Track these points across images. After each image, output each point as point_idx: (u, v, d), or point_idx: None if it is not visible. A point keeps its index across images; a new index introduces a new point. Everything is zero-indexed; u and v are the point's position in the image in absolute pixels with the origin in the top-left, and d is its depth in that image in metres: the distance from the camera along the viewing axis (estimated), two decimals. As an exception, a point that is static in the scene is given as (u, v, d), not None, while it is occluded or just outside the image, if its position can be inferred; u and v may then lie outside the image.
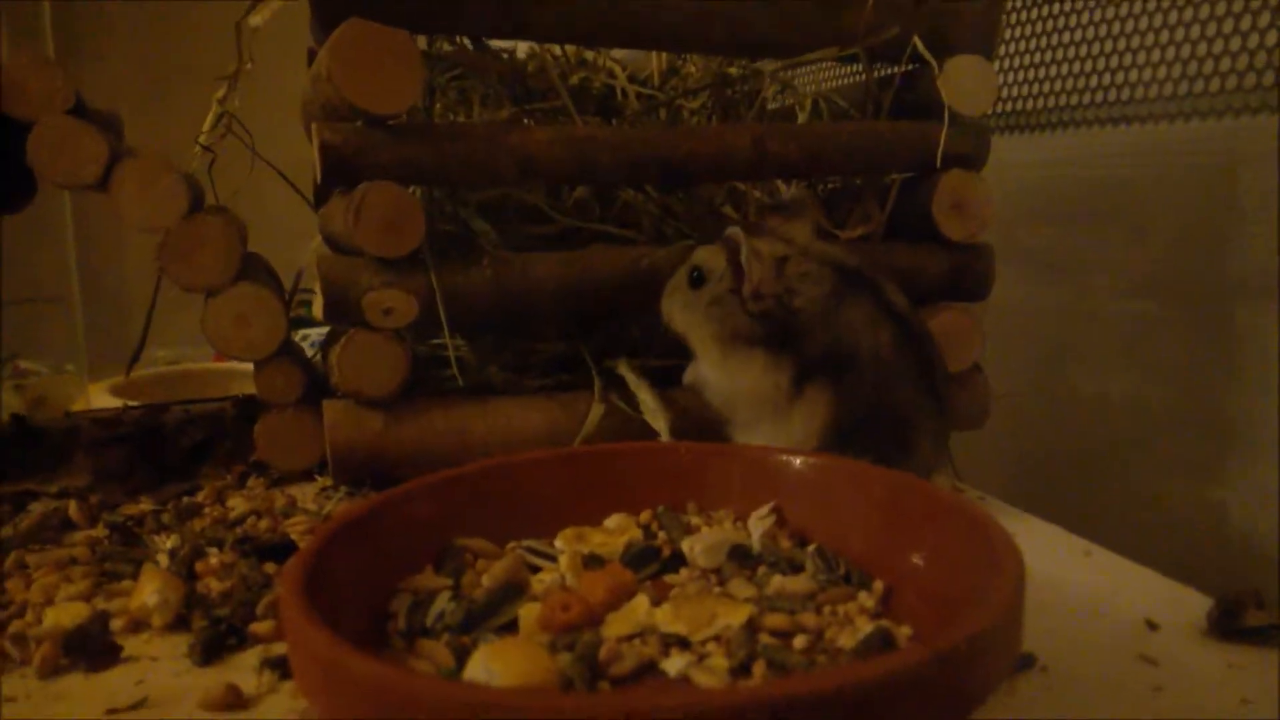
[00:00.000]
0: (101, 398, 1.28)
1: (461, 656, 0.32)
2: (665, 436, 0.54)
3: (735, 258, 0.47)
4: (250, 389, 0.70)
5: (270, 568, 0.43)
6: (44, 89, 0.51)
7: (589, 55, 0.73)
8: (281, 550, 0.45)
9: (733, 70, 0.70)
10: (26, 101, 0.51)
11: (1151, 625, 0.38)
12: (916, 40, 0.58)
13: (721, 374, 0.49)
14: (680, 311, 0.51)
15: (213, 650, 0.36)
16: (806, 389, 0.47)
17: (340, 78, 0.49)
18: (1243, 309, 0.60)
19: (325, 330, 0.95)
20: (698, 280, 0.50)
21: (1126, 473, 0.68)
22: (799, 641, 0.32)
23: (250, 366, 0.57)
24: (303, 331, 1.12)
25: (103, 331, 2.06)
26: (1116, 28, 0.65)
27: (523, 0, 0.54)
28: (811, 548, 0.38)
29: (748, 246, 0.47)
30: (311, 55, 0.71)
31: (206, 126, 0.72)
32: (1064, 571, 0.44)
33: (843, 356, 0.47)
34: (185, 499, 0.53)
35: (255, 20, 0.71)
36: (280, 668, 0.35)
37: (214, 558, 0.44)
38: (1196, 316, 0.63)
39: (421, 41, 0.65)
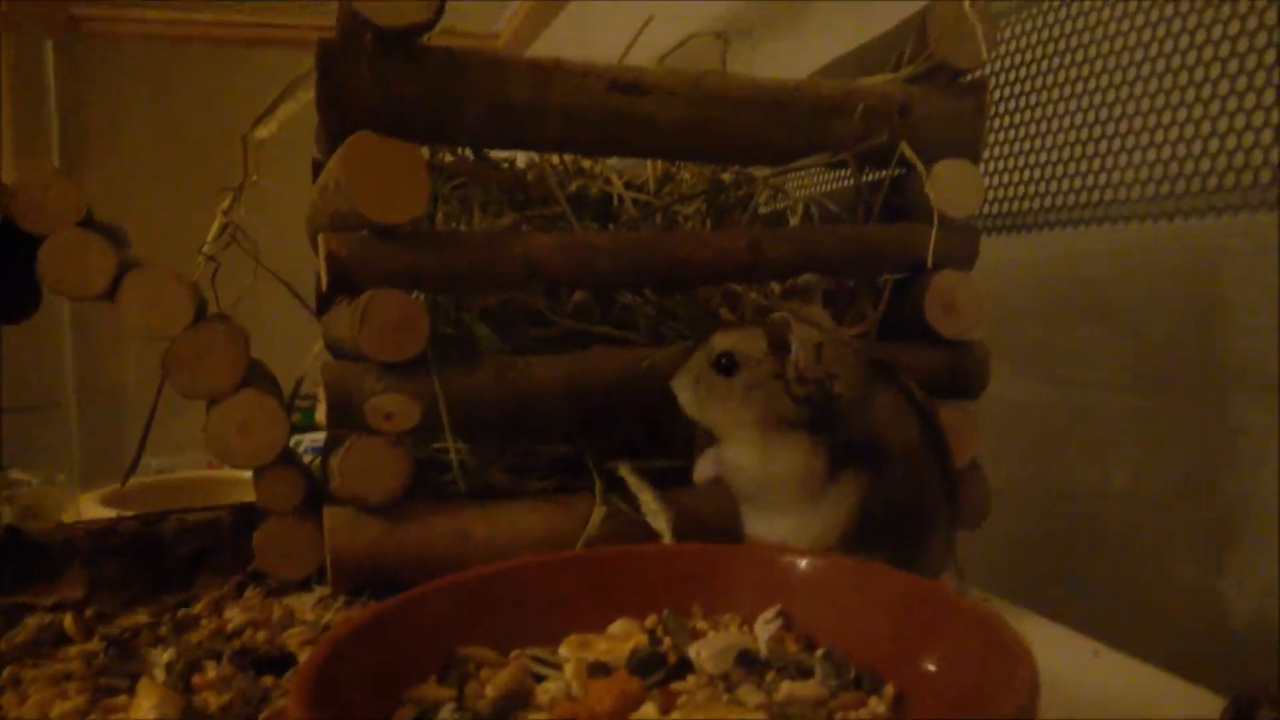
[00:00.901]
0: (92, 508, 1.26)
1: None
2: (667, 536, 0.53)
3: (781, 341, 0.47)
4: (243, 496, 0.69)
5: (268, 680, 0.42)
6: (57, 203, 0.52)
7: (586, 164, 0.75)
8: (279, 662, 0.44)
9: (725, 176, 0.72)
10: (39, 216, 0.52)
11: (1166, 728, 0.37)
12: (904, 146, 0.60)
13: (759, 458, 0.48)
14: (710, 399, 0.49)
15: (211, 768, 0.35)
16: (840, 476, 0.46)
17: (350, 188, 0.51)
18: (1235, 400, 0.60)
19: (320, 435, 0.95)
20: (729, 367, 0.49)
21: (1126, 565, 0.68)
22: (812, 750, 0.31)
23: (243, 474, 0.57)
24: (296, 437, 1.12)
25: (96, 439, 2.06)
26: (1099, 131, 0.67)
27: (523, 115, 0.56)
28: (820, 652, 0.38)
29: (798, 330, 0.47)
30: (315, 167, 0.73)
31: (211, 236, 0.74)
32: (1073, 674, 0.43)
33: (877, 445, 0.47)
34: (181, 611, 0.52)
35: (262, 133, 0.73)
36: (280, 786, 0.34)
37: (211, 671, 0.43)
38: (1189, 409, 0.64)
39: (424, 152, 0.67)
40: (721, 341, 0.50)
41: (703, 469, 0.51)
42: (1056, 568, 0.73)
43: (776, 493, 0.48)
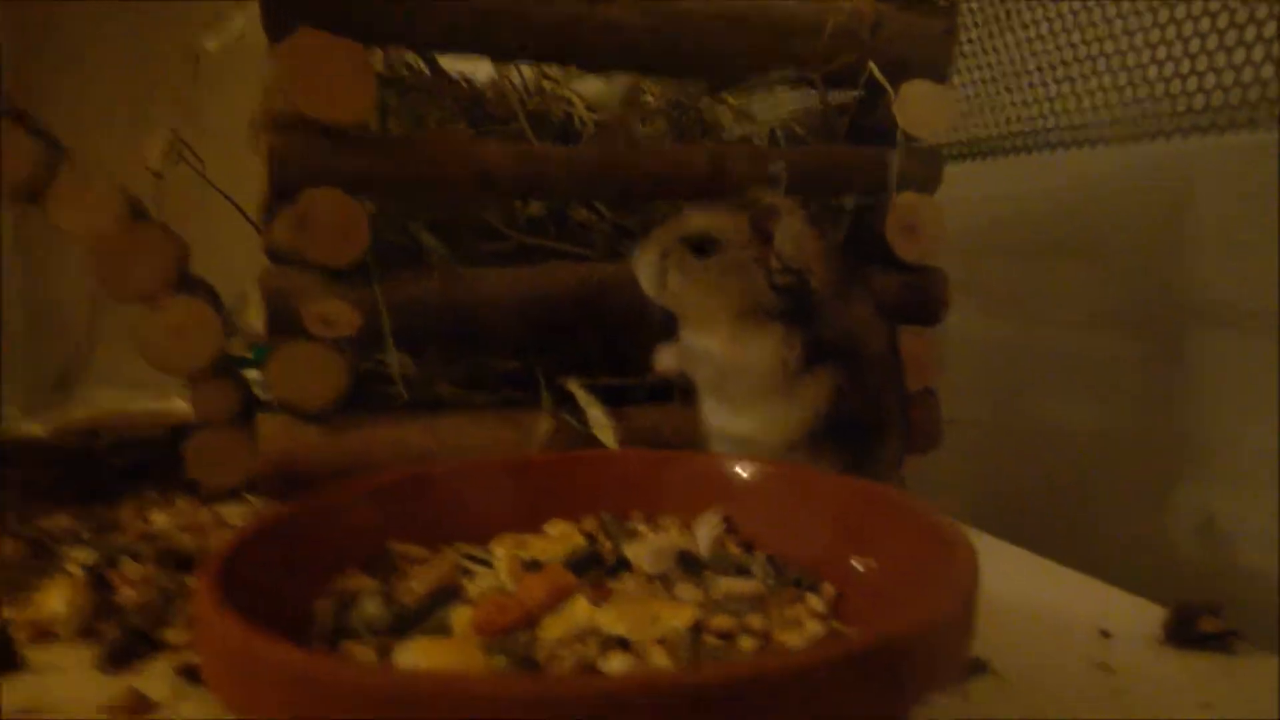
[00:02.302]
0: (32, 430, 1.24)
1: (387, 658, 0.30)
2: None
3: (765, 226, 0.45)
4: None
5: (191, 581, 0.41)
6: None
7: (547, 85, 0.73)
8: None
9: (689, 97, 0.70)
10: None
11: (1105, 634, 0.37)
12: (872, 66, 0.59)
13: (729, 347, 0.45)
14: (681, 280, 0.46)
15: (121, 657, 0.34)
16: (812, 371, 0.45)
17: (291, 84, 0.48)
18: (1200, 334, 0.60)
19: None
20: (705, 246, 0.45)
21: (1086, 499, 0.68)
22: (745, 643, 0.30)
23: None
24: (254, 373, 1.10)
25: (37, 361, 2.01)
26: (1069, 53, 0.66)
27: (477, 17, 0.53)
28: (761, 554, 0.37)
29: (787, 215, 0.44)
30: (269, 84, 0.70)
31: (158, 151, 0.71)
32: (1019, 586, 0.43)
33: (852, 346, 0.46)
34: (108, 516, 0.51)
35: (213, 45, 0.70)
36: (192, 675, 0.33)
37: (131, 569, 0.41)
38: (1154, 344, 0.63)
39: (378, 63, 0.65)
40: (697, 220, 0.46)
41: (665, 359, 0.48)
42: (1018, 500, 0.73)
43: (745, 383, 0.45)
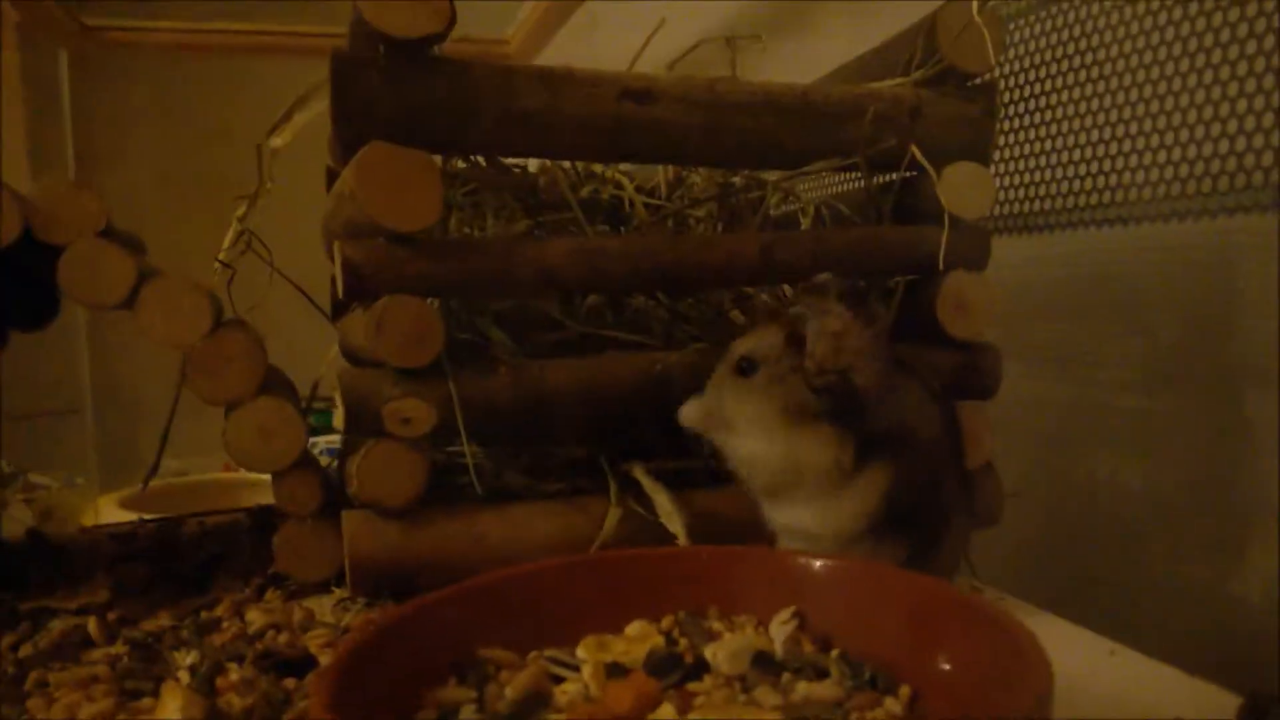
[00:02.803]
0: (111, 510, 1.28)
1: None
2: (682, 538, 0.54)
3: (798, 334, 0.47)
4: (260, 499, 0.70)
5: (290, 682, 0.43)
6: (76, 215, 0.53)
7: (597, 168, 0.76)
8: (301, 665, 0.45)
9: (736, 180, 0.73)
10: (59, 227, 0.53)
11: (1181, 725, 0.37)
12: (914, 149, 0.61)
13: (782, 448, 0.47)
14: (731, 401, 0.49)
15: (236, 769, 0.36)
16: (865, 467, 0.46)
17: (364, 197, 0.51)
18: (1245, 397, 0.60)
19: (334, 438, 0.96)
20: (748, 369, 0.49)
21: (1140, 562, 0.68)
22: (828, 750, 0.32)
23: (259, 476, 0.57)
24: (311, 439, 1.14)
25: (113, 443, 2.08)
26: (1109, 133, 0.67)
27: (535, 123, 0.56)
28: (835, 652, 0.38)
29: (815, 321, 0.47)
30: (330, 174, 0.74)
31: (226, 244, 0.75)
32: (1089, 673, 0.43)
33: (903, 435, 0.47)
34: (204, 613, 0.53)
35: (277, 141, 0.74)
36: (305, 787, 0.35)
37: (234, 673, 0.44)
38: (1201, 407, 0.64)
39: (436, 159, 0.68)
40: (739, 346, 0.50)
41: (690, 413, 0.51)
42: (1069, 567, 0.73)
43: (799, 483, 0.47)
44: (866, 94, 0.61)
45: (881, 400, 0.47)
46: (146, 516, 0.77)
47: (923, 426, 0.48)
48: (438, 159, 0.67)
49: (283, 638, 0.49)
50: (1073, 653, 0.46)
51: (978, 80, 0.63)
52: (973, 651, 0.34)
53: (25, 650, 0.48)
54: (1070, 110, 0.72)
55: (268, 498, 0.64)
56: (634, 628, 0.41)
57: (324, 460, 0.70)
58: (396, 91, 0.53)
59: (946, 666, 0.35)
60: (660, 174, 0.76)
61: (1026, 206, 0.75)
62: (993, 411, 0.62)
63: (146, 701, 0.42)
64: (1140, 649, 0.47)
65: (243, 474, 1.44)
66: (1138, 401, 0.68)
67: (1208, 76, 0.60)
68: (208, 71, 2.12)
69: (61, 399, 1.91)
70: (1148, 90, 0.65)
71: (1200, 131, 0.61)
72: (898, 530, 0.46)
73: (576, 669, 0.38)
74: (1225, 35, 0.59)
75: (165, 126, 2.18)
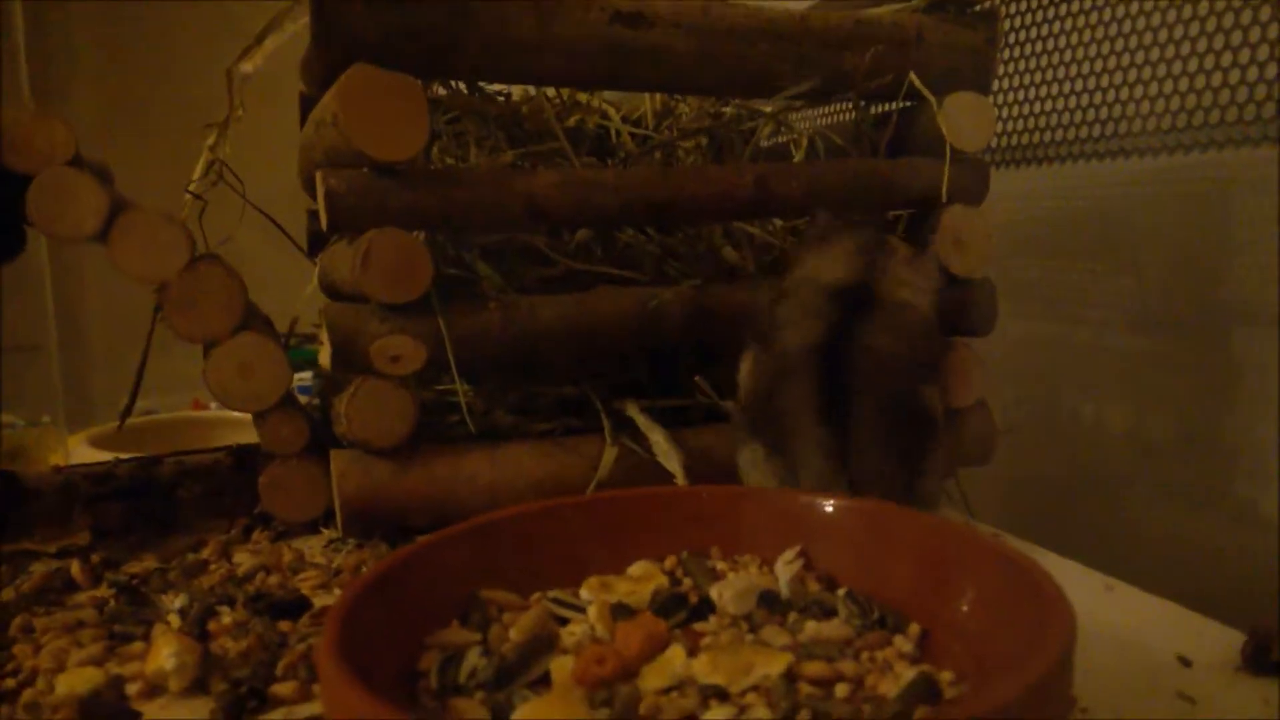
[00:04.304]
0: (81, 450, 1.25)
1: (498, 715, 0.31)
2: (680, 477, 0.53)
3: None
4: (232, 436, 0.68)
5: (285, 625, 0.42)
6: (44, 142, 0.50)
7: (583, 97, 0.73)
8: (295, 607, 0.44)
9: (728, 110, 0.71)
10: (27, 155, 0.50)
11: (1185, 661, 0.38)
12: (914, 78, 0.59)
13: None
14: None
15: (235, 714, 0.35)
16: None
17: (348, 124, 0.49)
18: (1236, 336, 0.60)
19: (307, 375, 0.94)
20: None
21: (1128, 501, 0.68)
22: (840, 690, 0.32)
23: (230, 414, 0.56)
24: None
25: (78, 381, 2.04)
26: (1111, 62, 0.66)
27: (524, 49, 0.54)
28: (842, 591, 0.38)
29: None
30: (303, 101, 0.71)
31: (197, 174, 0.72)
32: (1089, 609, 0.43)
33: (770, 334, 0.50)
34: (190, 555, 0.52)
35: (247, 67, 0.71)
36: (308, 731, 0.34)
37: (226, 617, 0.43)
38: (1191, 345, 0.64)
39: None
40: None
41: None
42: (1059, 505, 0.74)
43: None
44: (866, 20, 0.59)
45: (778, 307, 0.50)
46: (122, 456, 0.75)
47: (795, 331, 0.49)
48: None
49: (273, 579, 0.48)
50: (1070, 589, 0.46)
51: (979, 7, 0.61)
52: (985, 592, 0.34)
53: (7, 594, 0.46)
54: (1067, 40, 0.70)
55: (242, 436, 0.63)
56: (637, 568, 0.40)
57: (303, 400, 0.69)
58: (379, 13, 0.50)
59: (959, 607, 0.34)
60: (647, 103, 0.74)
61: (1022, 139, 0.74)
62: (979, 349, 0.61)
63: (137, 646, 0.41)
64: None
65: (212, 411, 1.42)
66: (1127, 341, 0.68)
67: (1205, 7, 0.59)
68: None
69: (25, 336, 1.86)
70: (1146, 21, 0.63)
71: (1197, 64, 0.60)
72: (755, 427, 0.48)
73: (581, 610, 0.38)
74: (1232, -37, 0.58)
75: (126, 55, 2.10)
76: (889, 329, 0.49)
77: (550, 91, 0.70)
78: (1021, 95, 0.74)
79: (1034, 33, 0.73)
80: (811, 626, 0.35)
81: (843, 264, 0.52)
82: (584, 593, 0.39)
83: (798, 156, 0.68)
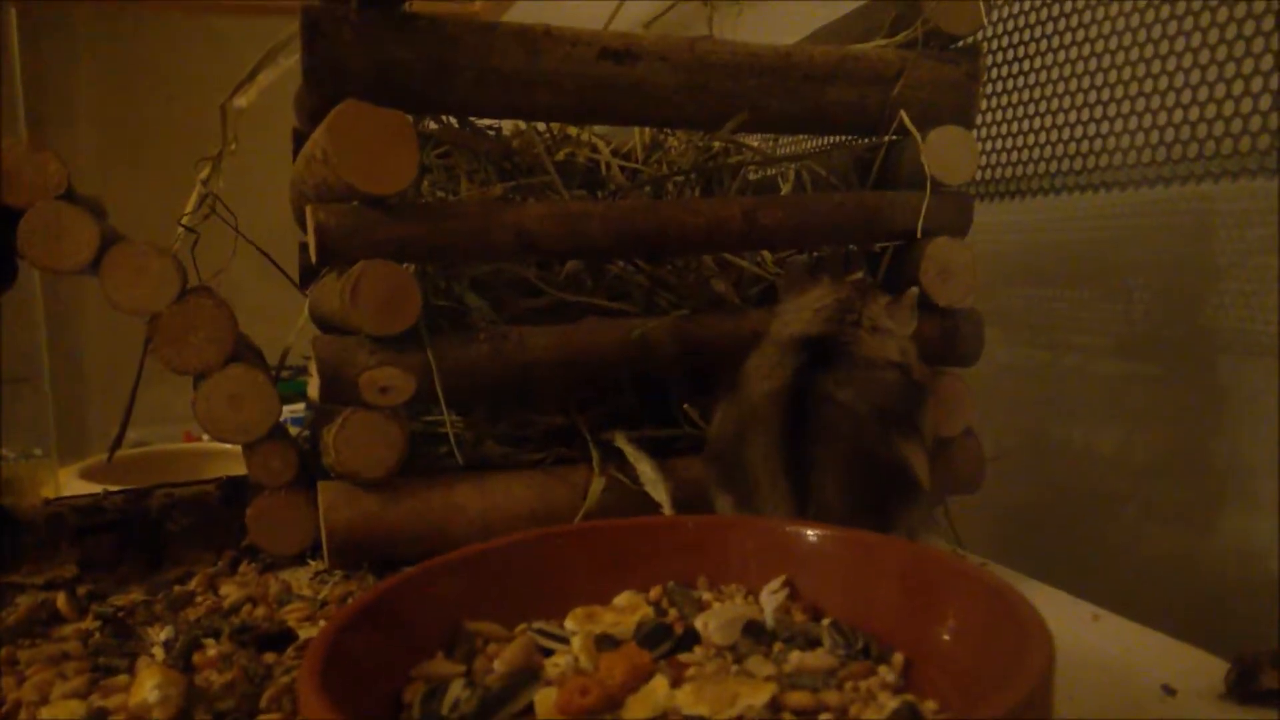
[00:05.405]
0: (72, 482, 1.25)
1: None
2: (667, 507, 0.53)
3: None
4: (222, 468, 0.68)
5: (270, 657, 0.42)
6: (37, 176, 0.51)
7: (573, 131, 0.74)
8: (280, 639, 0.44)
9: (715, 144, 0.72)
10: (19, 189, 0.50)
11: (1168, 690, 0.38)
12: (902, 114, 0.60)
13: None
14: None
15: (218, 747, 0.35)
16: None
17: (338, 159, 0.50)
18: (1222, 363, 0.61)
19: (299, 406, 0.94)
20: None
21: (1117, 527, 0.69)
22: (824, 720, 0.32)
23: (220, 446, 0.56)
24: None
25: (71, 413, 2.03)
26: (1092, 96, 0.67)
27: (513, 83, 0.55)
28: (826, 621, 0.38)
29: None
30: (295, 135, 0.71)
31: (190, 207, 0.73)
32: (1075, 638, 0.43)
33: (739, 382, 0.51)
34: (177, 588, 0.52)
35: (241, 102, 0.71)
36: (290, 764, 0.34)
37: (211, 649, 0.43)
38: (1178, 373, 0.64)
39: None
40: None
41: None
42: (1047, 532, 0.74)
43: None
44: (850, 56, 0.60)
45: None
46: (111, 488, 0.75)
47: (759, 381, 0.49)
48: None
49: (259, 611, 0.48)
50: (1056, 619, 0.46)
51: (962, 43, 0.62)
52: (968, 621, 0.34)
53: (-8, 627, 0.46)
54: (1052, 74, 0.71)
55: (232, 468, 0.63)
56: (622, 598, 0.40)
57: (294, 431, 0.69)
58: (370, 49, 0.51)
59: (941, 636, 0.34)
60: (636, 137, 0.75)
61: (1007, 171, 0.75)
62: (968, 378, 0.62)
63: (121, 679, 0.40)
64: (1117, 614, 0.47)
65: (203, 444, 1.42)
66: (1113, 368, 0.69)
67: (1194, 39, 0.60)
68: (165, 29, 2.06)
69: (17, 369, 1.86)
70: (1131, 53, 0.64)
71: (1185, 96, 0.61)
72: (725, 479, 0.49)
73: (565, 641, 0.38)
74: (1210, -2, 0.59)
75: (120, 87, 2.11)
76: (854, 382, 0.49)
77: (540, 126, 0.71)
78: (1004, 130, 0.75)
79: (1015, 68, 0.74)
80: (796, 656, 0.35)
81: (808, 316, 0.52)
82: (569, 623, 0.39)
83: (785, 189, 0.69)
